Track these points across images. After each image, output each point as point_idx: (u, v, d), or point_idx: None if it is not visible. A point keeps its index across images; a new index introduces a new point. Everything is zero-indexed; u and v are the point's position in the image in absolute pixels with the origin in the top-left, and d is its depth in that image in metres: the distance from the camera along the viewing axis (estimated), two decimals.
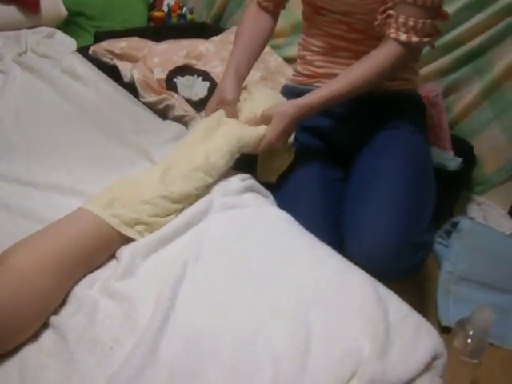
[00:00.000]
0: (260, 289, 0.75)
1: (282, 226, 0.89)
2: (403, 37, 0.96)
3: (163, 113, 1.47)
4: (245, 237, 0.84)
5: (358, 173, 1.10)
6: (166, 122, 1.19)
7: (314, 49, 1.17)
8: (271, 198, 1.00)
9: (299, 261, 0.81)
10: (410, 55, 1.02)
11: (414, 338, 0.69)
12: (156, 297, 0.71)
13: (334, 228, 1.03)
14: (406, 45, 0.97)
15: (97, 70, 1.45)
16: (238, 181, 0.96)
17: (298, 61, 1.25)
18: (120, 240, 0.80)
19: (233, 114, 1.03)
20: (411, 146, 1.10)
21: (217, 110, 1.05)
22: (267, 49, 1.82)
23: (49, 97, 1.26)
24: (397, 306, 0.73)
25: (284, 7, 1.20)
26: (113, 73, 1.57)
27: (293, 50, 1.86)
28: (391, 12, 0.97)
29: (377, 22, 1.00)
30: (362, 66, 1.01)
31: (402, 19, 0.95)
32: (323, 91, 1.02)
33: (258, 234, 0.85)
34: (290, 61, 1.85)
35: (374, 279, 0.79)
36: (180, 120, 1.43)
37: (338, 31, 1.11)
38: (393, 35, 0.97)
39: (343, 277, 0.78)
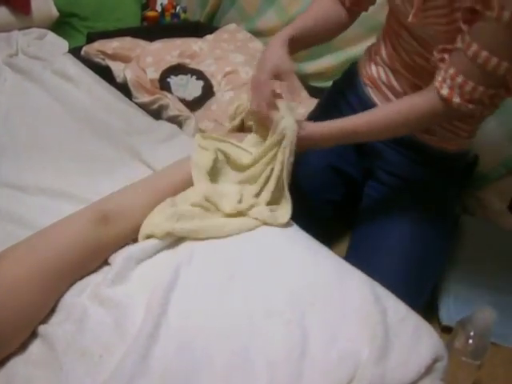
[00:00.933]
0: (254, 291, 0.73)
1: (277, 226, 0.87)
2: (445, 91, 0.81)
3: (157, 113, 1.45)
4: (238, 238, 0.82)
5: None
6: (159, 122, 1.17)
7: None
8: None
9: (295, 261, 0.79)
10: (449, 114, 0.86)
11: (414, 339, 0.67)
12: (147, 302, 0.69)
13: None
14: (446, 101, 0.82)
15: (89, 71, 1.42)
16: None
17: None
18: (113, 246, 0.78)
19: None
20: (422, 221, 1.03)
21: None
22: (261, 46, 1.81)
23: (40, 98, 1.24)
24: (395, 307, 0.71)
25: (366, 10, 1.04)
26: (105, 73, 1.55)
27: None
28: (446, 56, 0.82)
29: (432, 58, 0.85)
30: (398, 105, 0.89)
31: (452, 71, 0.80)
32: (346, 124, 0.89)
33: (252, 235, 0.83)
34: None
35: (371, 280, 0.77)
36: (174, 120, 1.41)
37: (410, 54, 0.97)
38: (437, 84, 0.82)
39: (340, 278, 0.76)
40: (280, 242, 0.83)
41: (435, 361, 0.66)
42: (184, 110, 1.40)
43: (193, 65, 1.62)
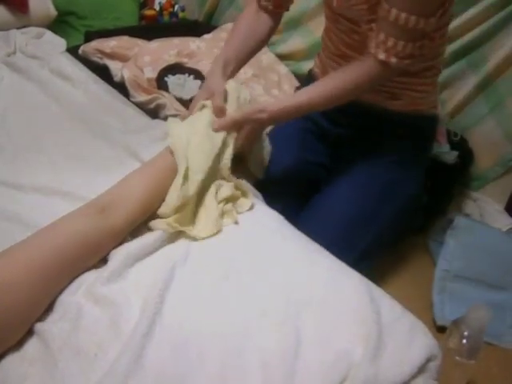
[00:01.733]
0: (248, 290, 0.73)
1: (272, 225, 0.88)
2: (382, 56, 0.90)
3: (154, 112, 1.45)
4: (232, 237, 0.82)
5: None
6: (156, 121, 1.17)
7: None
8: (260, 197, 0.99)
9: (290, 261, 0.79)
10: (389, 74, 0.97)
11: (408, 339, 0.68)
12: (143, 301, 0.70)
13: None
14: (384, 64, 0.91)
15: (86, 70, 1.42)
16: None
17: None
18: (113, 238, 0.78)
19: (220, 109, 0.97)
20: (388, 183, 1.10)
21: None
22: None
23: (36, 98, 1.24)
24: (390, 307, 0.72)
25: (287, 9, 1.15)
26: (103, 72, 1.55)
27: (286, 47, 1.85)
28: (373, 26, 0.92)
29: (360, 30, 0.96)
30: (337, 79, 0.97)
31: (382, 37, 0.89)
32: (300, 97, 0.98)
33: (247, 234, 0.83)
34: (283, 58, 1.83)
35: (367, 280, 0.78)
36: None
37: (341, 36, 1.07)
38: (372, 50, 0.91)
39: (336, 277, 0.77)
40: (275, 241, 0.83)
41: (428, 360, 0.67)
42: (181, 110, 1.40)
43: (190, 64, 1.62)
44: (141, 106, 1.45)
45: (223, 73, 1.01)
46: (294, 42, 1.83)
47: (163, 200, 0.83)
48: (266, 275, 0.76)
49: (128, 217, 0.78)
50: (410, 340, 0.68)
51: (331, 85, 0.96)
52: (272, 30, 1.13)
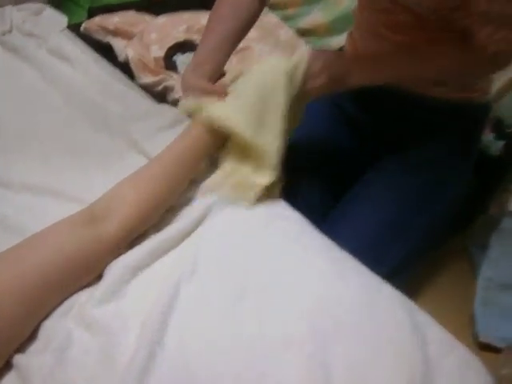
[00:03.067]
0: (268, 314, 0.62)
1: (293, 230, 0.76)
2: (493, 47, 0.77)
3: (162, 96, 1.33)
4: (247, 245, 0.71)
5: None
6: (161, 106, 1.04)
7: None
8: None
9: (314, 275, 0.67)
10: (496, 68, 0.85)
11: (459, 378, 0.56)
12: (141, 327, 0.59)
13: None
14: (496, 54, 0.78)
15: (88, 50, 1.30)
16: None
17: None
18: (108, 257, 0.66)
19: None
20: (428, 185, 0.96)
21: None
22: (276, 20, 1.66)
23: (31, 80, 1.12)
24: (437, 336, 0.59)
25: None
26: (107, 52, 1.43)
27: (307, 22, 1.69)
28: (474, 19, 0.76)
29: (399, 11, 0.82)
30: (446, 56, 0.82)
31: (489, 29, 0.75)
32: (387, 70, 0.85)
33: (264, 241, 0.72)
34: (303, 33, 1.68)
35: (408, 301, 0.65)
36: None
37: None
38: (481, 43, 0.77)
39: (370, 298, 0.65)
40: (296, 250, 0.71)
41: None
42: None
43: None
44: (147, 88, 1.33)
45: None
46: (315, 16, 1.68)
47: (173, 199, 0.73)
48: (288, 294, 0.64)
49: (122, 225, 0.66)
50: (462, 379, 0.56)
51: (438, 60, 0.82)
52: (257, 15, 0.95)
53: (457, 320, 0.91)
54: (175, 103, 1.29)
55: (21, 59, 1.21)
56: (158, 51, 1.38)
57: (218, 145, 0.81)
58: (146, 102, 1.05)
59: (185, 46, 1.44)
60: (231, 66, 1.46)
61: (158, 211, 0.71)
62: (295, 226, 0.76)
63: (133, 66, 1.33)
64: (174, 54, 1.41)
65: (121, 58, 1.43)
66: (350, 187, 1.02)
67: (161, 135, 0.92)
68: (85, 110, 1.01)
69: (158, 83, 1.31)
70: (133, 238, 0.68)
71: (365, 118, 1.04)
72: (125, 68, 1.37)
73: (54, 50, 1.24)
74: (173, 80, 1.30)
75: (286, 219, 0.77)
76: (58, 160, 0.87)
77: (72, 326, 0.60)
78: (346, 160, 1.06)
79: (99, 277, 0.65)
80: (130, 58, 1.34)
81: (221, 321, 0.61)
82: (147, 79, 1.31)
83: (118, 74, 1.24)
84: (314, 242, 0.74)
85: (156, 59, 1.37)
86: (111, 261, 0.65)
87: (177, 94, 1.27)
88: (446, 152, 0.98)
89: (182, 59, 1.40)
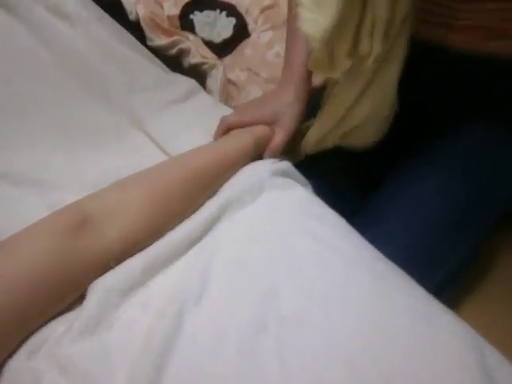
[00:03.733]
0: (293, 350, 0.47)
1: (328, 234, 0.59)
2: None
3: (177, 60, 1.16)
4: (270, 257, 0.55)
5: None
6: (173, 75, 0.88)
7: None
8: (310, 187, 0.70)
9: (354, 300, 0.52)
10: None
11: None
12: (130, 372, 0.45)
13: None
14: None
15: (93, 6, 1.13)
16: (264, 164, 0.66)
17: None
18: (97, 275, 0.52)
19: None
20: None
21: None
22: None
23: (24, 42, 0.97)
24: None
25: None
26: (117, 10, 1.26)
27: None
28: None
29: None
30: None
31: None
32: None
33: (291, 255, 0.56)
34: None
35: (476, 335, 0.50)
36: (197, 69, 1.12)
37: None
38: None
39: (428, 333, 0.49)
40: (333, 265, 0.55)
41: None
42: (209, 57, 1.10)
43: None
44: (159, 52, 1.16)
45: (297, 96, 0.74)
46: None
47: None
48: (322, 327, 0.49)
49: (123, 238, 0.51)
50: None
51: None
52: None
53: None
54: (192, 69, 1.12)
55: (15, 18, 1.05)
56: (173, 8, 1.20)
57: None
58: (155, 70, 0.89)
59: (203, 3, 1.25)
60: (256, 25, 1.28)
61: (170, 226, 0.55)
62: (330, 229, 0.60)
63: (144, 25, 1.16)
64: (191, 12, 1.23)
65: (131, 16, 1.25)
66: (380, 177, 0.84)
67: (170, 110, 0.77)
68: (82, 78, 0.85)
69: (172, 45, 1.14)
70: (132, 254, 0.53)
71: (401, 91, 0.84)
72: (136, 28, 1.20)
73: (53, 7, 1.07)
74: (189, 42, 1.12)
75: (318, 219, 0.61)
76: (43, 138, 0.72)
77: (43, 367, 0.46)
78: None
79: (81, 298, 0.51)
80: (140, 16, 1.17)
81: (235, 361, 0.46)
82: (159, 41, 1.14)
83: (125, 35, 1.08)
84: (354, 251, 0.58)
85: (170, 18, 1.19)
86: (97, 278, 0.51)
87: (193, 58, 1.10)
88: (505, 129, 0.79)
89: (200, 18, 1.22)
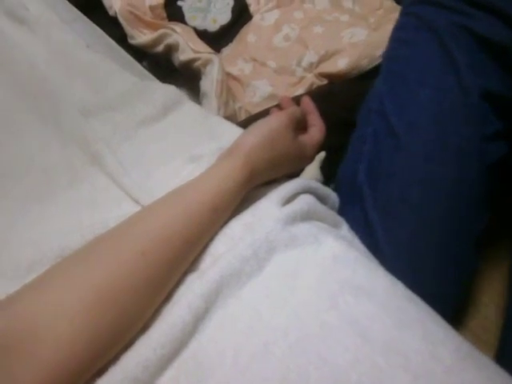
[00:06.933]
0: None
1: (376, 332, 0.38)
2: None
3: (165, 59, 0.96)
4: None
5: None
6: (148, 83, 0.66)
7: None
8: (345, 226, 0.50)
9: None
10: None
11: None
12: None
13: None
14: None
15: (63, 7, 0.94)
16: (271, 203, 0.46)
17: None
18: None
19: None
20: None
21: None
22: None
23: None
24: None
25: None
26: (95, 6, 1.07)
27: None
28: None
29: None
30: None
31: None
32: None
33: (319, 364, 0.35)
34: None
35: None
36: (189, 67, 0.91)
37: None
38: None
39: None
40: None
41: None
42: (203, 50, 0.89)
43: None
44: (144, 50, 0.96)
45: None
46: None
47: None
48: None
49: (54, 371, 0.32)
50: None
51: None
52: None
53: None
54: (183, 67, 0.92)
55: None
56: None
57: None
58: (126, 79, 0.68)
59: None
60: (259, 5, 1.06)
61: (130, 333, 0.36)
62: (377, 309, 0.39)
63: (121, 21, 0.96)
64: None
65: (111, 11, 1.05)
66: None
67: (141, 135, 0.57)
68: (33, 98, 0.66)
69: (158, 42, 0.93)
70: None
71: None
72: (116, 25, 1.01)
73: (12, 10, 0.89)
74: (176, 35, 0.92)
75: (357, 293, 0.40)
76: None
77: None
78: None
79: None
80: (117, 10, 0.97)
81: None
82: (141, 38, 0.94)
83: (99, 37, 0.89)
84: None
85: (153, 8, 0.98)
86: None
87: (182, 54, 0.90)
88: None
89: (189, 3, 1.01)
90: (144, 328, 0.37)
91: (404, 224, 0.56)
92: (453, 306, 0.60)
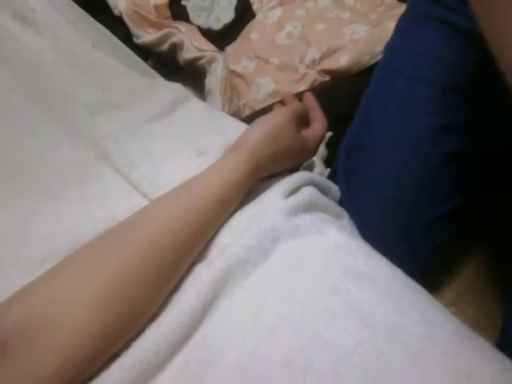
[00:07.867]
0: None
1: (377, 317, 0.40)
2: None
3: (172, 58, 0.98)
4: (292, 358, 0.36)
5: None
6: (153, 81, 0.68)
7: None
8: (346, 218, 0.51)
9: None
10: None
11: None
12: None
13: None
14: None
15: (67, 7, 0.96)
16: (275, 194, 0.47)
17: None
18: None
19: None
20: None
21: None
22: None
23: None
24: None
25: None
26: (101, 6, 1.09)
27: None
28: None
29: None
30: None
31: None
32: None
33: (323, 348, 0.37)
34: None
35: None
36: (193, 65, 0.93)
37: None
38: None
39: None
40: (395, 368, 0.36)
41: None
42: (207, 48, 0.91)
43: None
44: (149, 50, 0.98)
45: None
46: None
47: None
48: None
49: (60, 368, 0.33)
50: None
51: None
52: None
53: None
54: (187, 66, 0.94)
55: None
56: None
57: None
58: (132, 77, 0.69)
59: None
60: (262, 3, 1.07)
61: (141, 320, 0.38)
62: (380, 298, 0.40)
63: (126, 20, 0.98)
64: None
65: (116, 11, 1.07)
66: None
67: (146, 131, 0.58)
68: (41, 97, 0.68)
69: (163, 40, 0.95)
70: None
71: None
72: (121, 25, 1.02)
73: (20, 12, 0.91)
74: (181, 34, 0.93)
75: (360, 280, 0.41)
76: None
77: None
78: None
79: None
80: (121, 10, 0.98)
81: None
82: (147, 37, 0.95)
83: (104, 36, 0.91)
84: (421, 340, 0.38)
85: (158, 7, 1.00)
86: None
87: (187, 52, 0.91)
88: None
89: (193, 2, 1.03)
90: (154, 315, 0.39)
91: (363, 200, 0.61)
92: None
